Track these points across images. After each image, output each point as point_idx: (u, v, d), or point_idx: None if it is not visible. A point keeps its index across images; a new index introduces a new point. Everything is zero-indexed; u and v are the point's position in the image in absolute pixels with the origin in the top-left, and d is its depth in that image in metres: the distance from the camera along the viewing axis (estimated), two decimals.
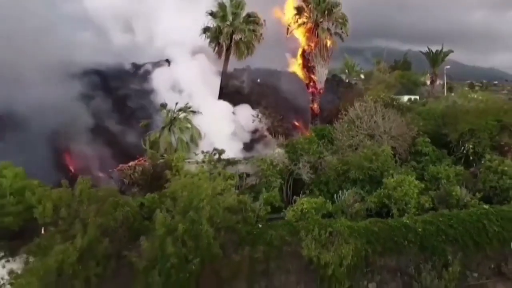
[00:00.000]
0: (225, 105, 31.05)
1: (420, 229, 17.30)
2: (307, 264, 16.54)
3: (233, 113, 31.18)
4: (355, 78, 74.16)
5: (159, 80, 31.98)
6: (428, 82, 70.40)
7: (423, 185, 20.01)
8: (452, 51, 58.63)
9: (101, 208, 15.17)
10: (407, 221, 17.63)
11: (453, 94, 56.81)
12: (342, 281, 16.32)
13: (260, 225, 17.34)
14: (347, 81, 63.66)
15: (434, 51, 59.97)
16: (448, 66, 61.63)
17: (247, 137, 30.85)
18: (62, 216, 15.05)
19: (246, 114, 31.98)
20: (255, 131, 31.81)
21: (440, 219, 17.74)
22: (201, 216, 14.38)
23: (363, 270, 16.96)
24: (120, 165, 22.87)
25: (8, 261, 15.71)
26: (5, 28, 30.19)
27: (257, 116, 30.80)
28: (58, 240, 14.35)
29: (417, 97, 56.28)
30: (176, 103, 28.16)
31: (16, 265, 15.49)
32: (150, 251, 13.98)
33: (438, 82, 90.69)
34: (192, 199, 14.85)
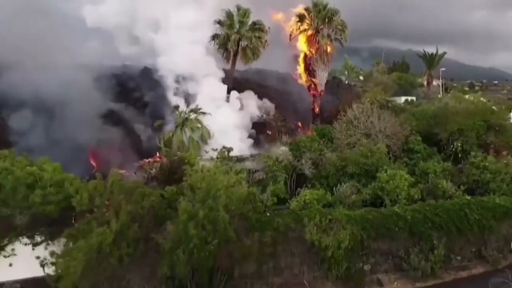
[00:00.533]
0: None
1: (409, 217, 19.48)
2: (310, 247, 18.74)
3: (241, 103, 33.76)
4: (354, 79, 76.47)
5: (165, 71, 34.13)
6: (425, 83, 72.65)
7: (413, 179, 22.20)
8: (445, 53, 60.86)
9: (130, 198, 17.36)
10: (398, 210, 19.81)
11: (449, 95, 59.17)
12: (340, 262, 18.52)
13: (268, 214, 19.48)
14: (346, 82, 65.89)
15: (432, 52, 62.29)
16: (444, 69, 63.74)
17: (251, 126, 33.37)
18: (97, 205, 17.26)
19: (252, 102, 34.61)
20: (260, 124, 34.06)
21: (427, 208, 19.93)
22: (218, 204, 16.57)
23: (359, 253, 19.13)
24: (140, 161, 25.09)
25: (48, 244, 17.92)
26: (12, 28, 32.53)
27: (262, 116, 32.94)
28: (94, 225, 16.57)
29: (414, 98, 58.30)
30: (188, 105, 30.43)
31: (55, 248, 17.71)
32: (175, 233, 16.17)
33: (436, 83, 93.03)
34: (210, 190, 17.02)
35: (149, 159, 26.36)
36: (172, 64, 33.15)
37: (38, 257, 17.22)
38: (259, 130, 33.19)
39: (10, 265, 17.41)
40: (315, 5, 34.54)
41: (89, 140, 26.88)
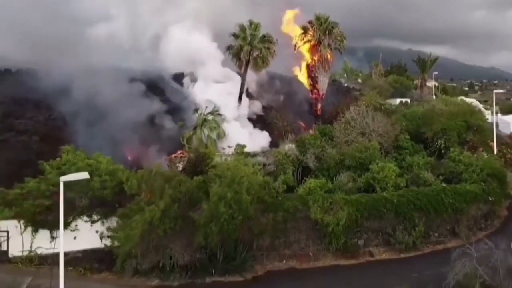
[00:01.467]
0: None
1: (395, 201, 23.63)
2: (314, 225, 22.92)
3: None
4: (352, 81, 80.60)
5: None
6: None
7: (400, 171, 26.32)
8: (438, 58, 65.08)
9: (170, 184, 21.52)
10: (386, 195, 23.95)
11: (443, 96, 63.57)
12: (339, 237, 22.70)
13: (279, 198, 23.62)
14: (345, 85, 69.97)
15: (423, 58, 66.42)
16: (436, 72, 67.88)
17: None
18: (143, 189, 21.44)
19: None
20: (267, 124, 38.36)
21: (410, 193, 24.08)
22: (242, 188, 20.74)
23: (354, 230, 23.28)
24: (166, 157, 29.30)
25: (103, 222, 22.07)
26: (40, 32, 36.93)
27: (272, 119, 37.11)
28: (143, 205, 20.74)
29: (408, 100, 62.32)
30: (206, 107, 34.49)
31: (109, 224, 21.87)
32: (208, 211, 20.33)
33: (433, 83, 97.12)
34: (234, 177, 21.17)
35: (175, 154, 30.67)
36: (181, 62, 38.00)
37: (97, 231, 21.52)
38: (269, 129, 37.12)
39: (74, 238, 21.57)
40: (318, 18, 38.77)
41: (124, 136, 30.92)
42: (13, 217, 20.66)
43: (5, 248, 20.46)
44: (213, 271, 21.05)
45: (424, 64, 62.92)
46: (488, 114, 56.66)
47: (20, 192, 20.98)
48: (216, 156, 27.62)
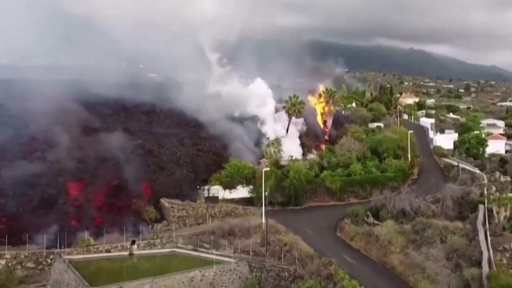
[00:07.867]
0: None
1: (359, 179, 56.87)
2: (327, 188, 56.19)
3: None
4: (347, 108, 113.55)
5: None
6: (407, 99, 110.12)
7: (362, 167, 59.67)
8: (401, 94, 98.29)
9: (273, 172, 55.15)
10: (356, 177, 57.41)
11: (396, 127, 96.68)
12: (337, 193, 56.11)
13: (313, 177, 57.21)
14: (343, 112, 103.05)
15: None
16: (401, 106, 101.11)
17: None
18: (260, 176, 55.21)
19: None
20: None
21: (365, 176, 57.43)
22: (300, 173, 54.36)
23: (343, 191, 56.79)
24: (260, 160, 62.93)
25: (244, 186, 55.69)
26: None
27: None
28: (264, 179, 54.47)
29: (382, 124, 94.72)
30: (274, 135, 67.99)
31: (250, 187, 55.62)
32: (290, 181, 53.92)
33: (412, 100, 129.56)
34: (297, 168, 54.80)
35: (262, 160, 64.36)
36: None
37: (246, 190, 55.29)
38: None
39: (237, 193, 55.25)
40: (326, 89, 72.61)
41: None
42: (218, 184, 54.46)
43: (217, 195, 54.15)
44: (290, 204, 54.64)
45: (391, 101, 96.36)
46: (431, 134, 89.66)
47: (219, 176, 54.78)
48: (281, 162, 61.38)
